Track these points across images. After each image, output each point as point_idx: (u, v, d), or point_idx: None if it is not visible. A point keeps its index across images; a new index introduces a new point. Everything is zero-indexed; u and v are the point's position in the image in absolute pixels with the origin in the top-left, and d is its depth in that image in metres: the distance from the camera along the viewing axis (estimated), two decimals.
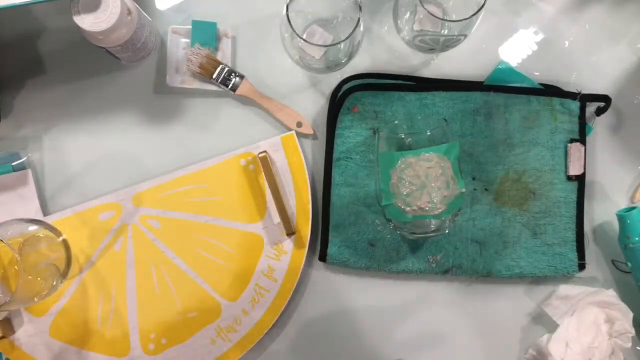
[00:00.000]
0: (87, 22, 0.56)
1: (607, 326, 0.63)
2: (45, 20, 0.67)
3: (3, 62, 0.67)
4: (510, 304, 0.66)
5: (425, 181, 0.57)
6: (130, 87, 0.67)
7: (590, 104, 0.66)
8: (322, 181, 0.66)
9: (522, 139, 0.65)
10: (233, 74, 0.65)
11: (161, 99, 0.67)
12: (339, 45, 0.59)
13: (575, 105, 0.66)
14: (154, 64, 0.67)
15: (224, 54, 0.66)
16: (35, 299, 0.59)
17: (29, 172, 0.65)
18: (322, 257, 0.65)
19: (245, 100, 0.67)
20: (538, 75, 0.68)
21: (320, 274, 0.67)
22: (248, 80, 0.66)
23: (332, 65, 0.64)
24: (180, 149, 0.67)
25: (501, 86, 0.66)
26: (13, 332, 0.63)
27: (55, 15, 0.67)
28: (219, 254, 0.65)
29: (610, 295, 0.64)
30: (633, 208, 0.63)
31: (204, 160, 0.65)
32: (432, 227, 0.60)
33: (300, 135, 0.66)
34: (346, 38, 0.57)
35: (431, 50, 0.65)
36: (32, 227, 0.60)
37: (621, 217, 0.63)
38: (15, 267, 0.60)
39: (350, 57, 0.63)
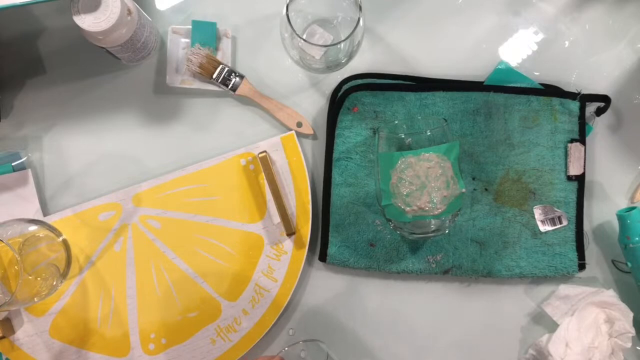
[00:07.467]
0: (87, 22, 0.56)
1: (607, 326, 0.63)
2: (45, 20, 0.67)
3: (3, 62, 0.67)
4: (510, 304, 0.67)
5: (425, 181, 0.57)
6: (130, 87, 0.67)
7: (590, 104, 0.66)
8: (322, 181, 0.66)
9: (522, 139, 0.65)
10: (233, 74, 0.65)
11: (161, 99, 0.67)
12: (339, 45, 0.59)
13: (575, 105, 0.66)
14: (154, 64, 0.67)
15: (224, 54, 0.66)
16: (35, 299, 0.59)
17: (29, 172, 0.65)
18: (322, 257, 0.65)
19: (245, 100, 0.67)
20: (538, 75, 0.68)
21: (320, 274, 0.67)
22: (248, 80, 0.66)
23: (332, 65, 0.64)
24: (180, 149, 0.67)
25: (501, 86, 0.66)
26: (13, 332, 0.63)
27: (55, 15, 0.67)
28: (219, 254, 0.65)
29: (610, 295, 0.64)
30: (633, 208, 0.63)
31: (204, 160, 0.65)
32: (432, 227, 0.60)
33: (300, 135, 0.66)
34: (346, 38, 0.57)
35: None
36: (32, 227, 0.60)
37: (621, 217, 0.63)
38: (15, 267, 0.60)
39: (350, 57, 0.63)
